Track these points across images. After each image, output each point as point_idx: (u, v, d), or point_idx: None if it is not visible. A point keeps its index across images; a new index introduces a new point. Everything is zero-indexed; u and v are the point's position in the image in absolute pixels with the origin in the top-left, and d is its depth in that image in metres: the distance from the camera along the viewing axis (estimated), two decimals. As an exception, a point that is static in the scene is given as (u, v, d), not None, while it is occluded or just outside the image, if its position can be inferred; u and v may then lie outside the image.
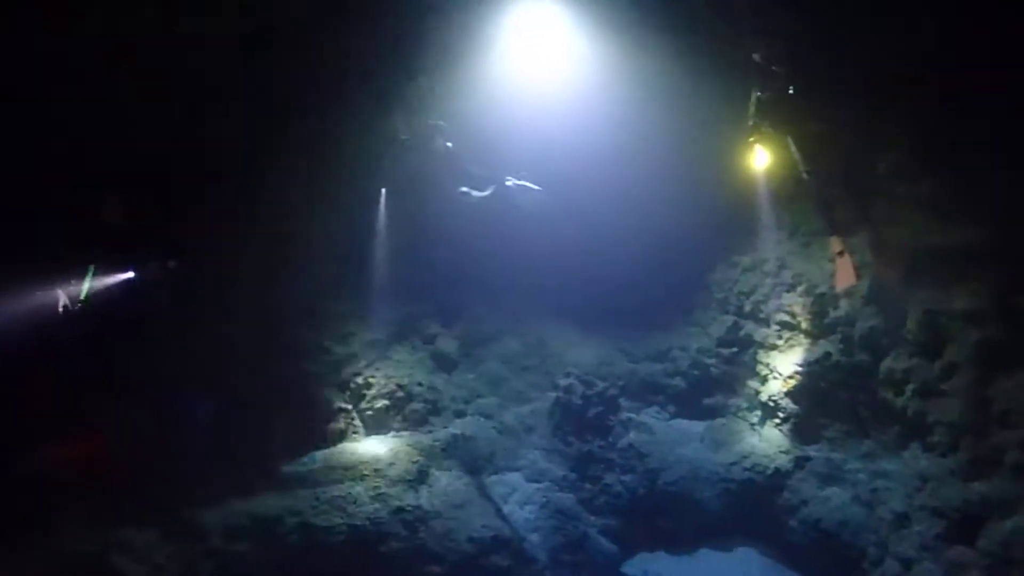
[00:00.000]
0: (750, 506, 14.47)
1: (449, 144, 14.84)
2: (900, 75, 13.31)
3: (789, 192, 14.92)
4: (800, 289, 14.99)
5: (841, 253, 13.91)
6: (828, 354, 14.39)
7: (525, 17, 15.06)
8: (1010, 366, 12.25)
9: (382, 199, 15.66)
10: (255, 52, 13.37)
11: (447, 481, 14.90)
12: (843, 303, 14.37)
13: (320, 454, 14.83)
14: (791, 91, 13.41)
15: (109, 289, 13.75)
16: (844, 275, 14.13)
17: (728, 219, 16.14)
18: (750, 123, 13.86)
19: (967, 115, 12.68)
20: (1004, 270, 12.49)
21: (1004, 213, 12.53)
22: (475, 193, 15.11)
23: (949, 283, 13.05)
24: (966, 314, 12.81)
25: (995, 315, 12.52)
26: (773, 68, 13.37)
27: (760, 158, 14.10)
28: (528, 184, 15.34)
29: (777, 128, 13.70)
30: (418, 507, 14.30)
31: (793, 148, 13.66)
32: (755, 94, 13.64)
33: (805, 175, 13.74)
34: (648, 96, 15.35)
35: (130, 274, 13.92)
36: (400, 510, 14.18)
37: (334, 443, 15.22)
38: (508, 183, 15.25)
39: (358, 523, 13.94)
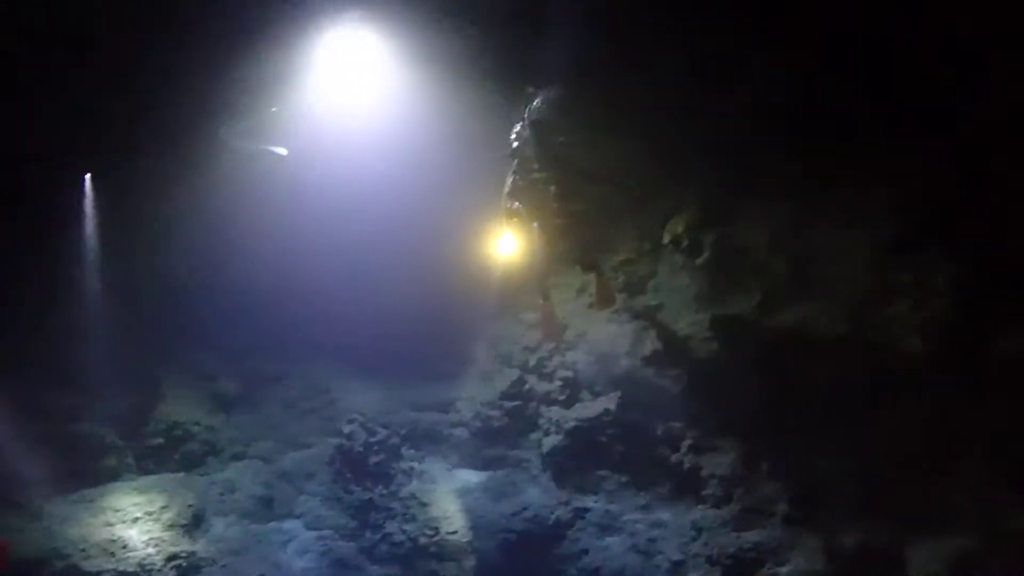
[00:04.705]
0: (531, 555, 14.76)
1: None
2: (682, 151, 14.50)
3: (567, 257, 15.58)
4: (583, 347, 15.63)
5: (548, 316, 14.79)
6: (608, 410, 15.10)
7: (339, 44, 14.82)
8: (778, 426, 13.41)
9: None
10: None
11: (224, 527, 14.33)
12: (623, 362, 15.16)
13: (89, 493, 13.76)
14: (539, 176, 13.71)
15: None
16: (550, 330, 15.17)
17: (513, 276, 16.61)
18: (504, 202, 13.78)
19: (743, 188, 14.00)
20: (773, 336, 13.74)
21: (771, 278, 13.89)
22: None
23: (722, 348, 14.19)
24: (737, 377, 13.97)
25: (763, 378, 13.69)
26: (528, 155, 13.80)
27: (505, 239, 13.97)
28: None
29: (528, 209, 13.71)
30: (193, 553, 13.65)
31: (537, 228, 13.73)
32: (510, 176, 13.97)
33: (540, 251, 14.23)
34: (443, 153, 15.66)
35: None
36: (174, 556, 13.46)
37: (104, 482, 14.15)
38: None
39: (129, 569, 13.09)
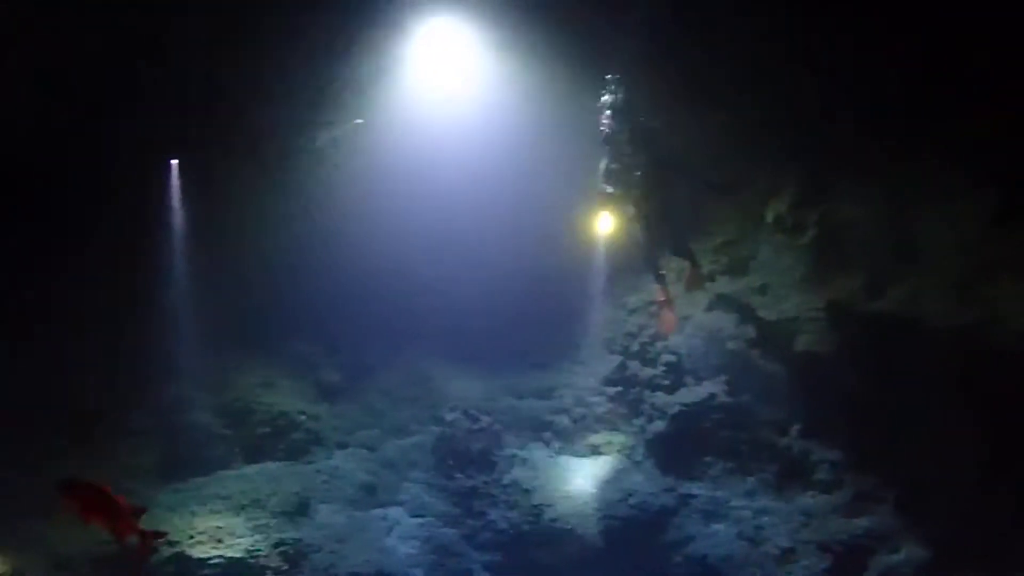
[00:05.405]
0: (634, 543, 14.51)
1: None
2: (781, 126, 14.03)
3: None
4: (687, 331, 15.30)
5: (665, 303, 14.38)
6: (713, 395, 14.79)
7: (431, 40, 14.86)
8: (888, 408, 12.90)
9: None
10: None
11: (329, 514, 14.43)
12: (728, 345, 14.82)
13: (196, 482, 14.10)
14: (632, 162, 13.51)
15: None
16: (667, 324, 14.75)
17: (615, 261, 16.36)
18: (600, 187, 13.70)
19: (844, 163, 13.51)
20: (880, 317, 13.23)
21: (879, 261, 13.38)
22: None
23: (830, 330, 13.74)
24: (843, 360, 13.50)
25: (872, 360, 13.20)
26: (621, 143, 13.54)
27: (604, 220, 13.89)
28: None
29: (622, 194, 13.63)
30: (299, 540, 13.79)
31: (632, 212, 13.68)
32: (603, 161, 13.64)
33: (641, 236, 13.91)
34: (536, 140, 15.54)
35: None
36: (280, 543, 13.62)
37: (212, 471, 14.49)
38: None
39: (236, 556, 13.28)
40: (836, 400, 13.55)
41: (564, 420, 16.16)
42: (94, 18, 11.96)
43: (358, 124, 15.14)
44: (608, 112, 13.45)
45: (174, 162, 14.25)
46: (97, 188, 13.31)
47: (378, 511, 14.79)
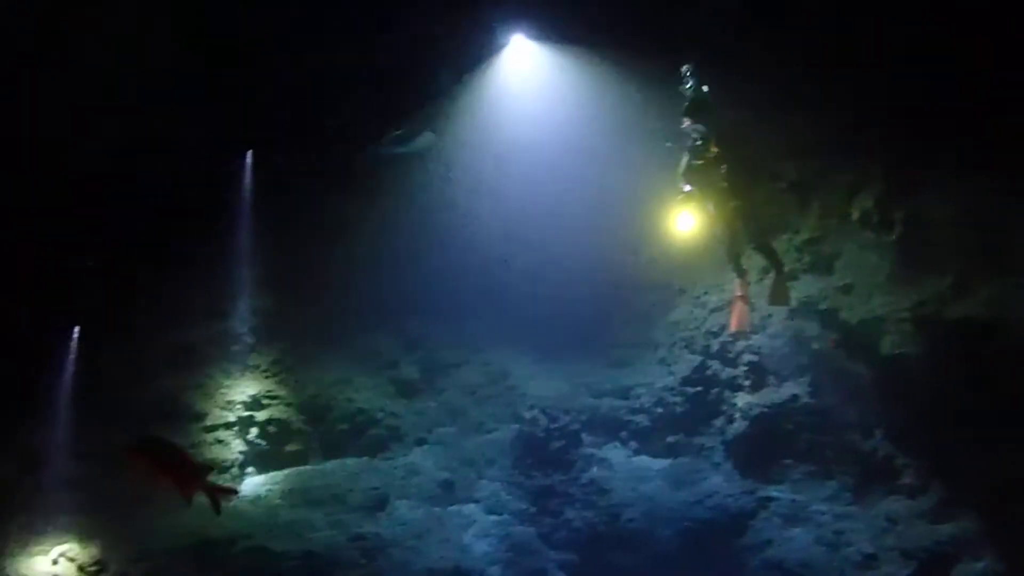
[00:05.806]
0: (711, 545, 14.30)
1: None
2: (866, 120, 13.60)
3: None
4: (770, 331, 15.01)
5: (743, 298, 14.00)
6: (795, 396, 14.47)
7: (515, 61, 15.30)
8: (977, 412, 12.43)
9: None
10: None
11: (406, 509, 14.59)
12: (812, 346, 14.48)
13: (276, 476, 14.40)
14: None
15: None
16: (739, 319, 14.36)
17: (695, 259, 16.12)
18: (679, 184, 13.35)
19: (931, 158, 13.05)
20: (967, 321, 12.75)
21: (968, 261, 12.89)
22: None
23: (917, 331, 13.30)
24: (930, 362, 13.06)
25: (960, 362, 12.73)
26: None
27: (684, 218, 13.17)
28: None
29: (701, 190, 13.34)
30: (377, 535, 13.98)
31: (713, 209, 13.25)
32: (684, 157, 13.40)
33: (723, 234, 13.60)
34: (613, 132, 15.47)
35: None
36: (358, 537, 13.84)
37: (291, 465, 14.78)
38: None
39: (315, 549, 13.53)
40: (922, 403, 13.10)
41: (643, 420, 15.99)
42: (175, 17, 12.27)
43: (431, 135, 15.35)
44: (689, 109, 13.23)
45: (248, 154, 14.47)
46: (175, 184, 13.64)
47: (455, 508, 14.90)
